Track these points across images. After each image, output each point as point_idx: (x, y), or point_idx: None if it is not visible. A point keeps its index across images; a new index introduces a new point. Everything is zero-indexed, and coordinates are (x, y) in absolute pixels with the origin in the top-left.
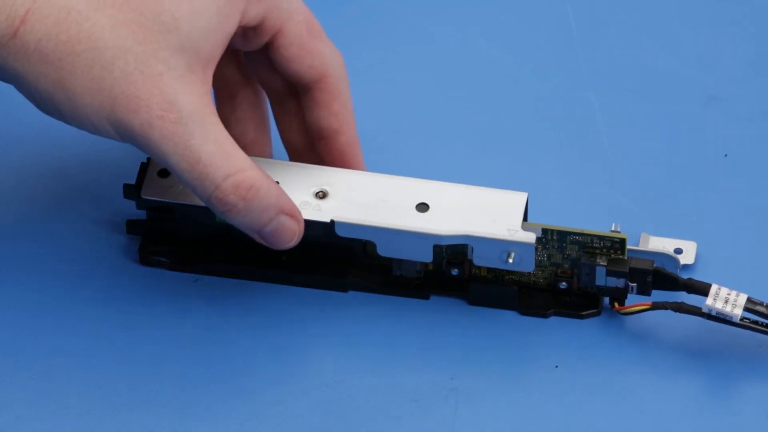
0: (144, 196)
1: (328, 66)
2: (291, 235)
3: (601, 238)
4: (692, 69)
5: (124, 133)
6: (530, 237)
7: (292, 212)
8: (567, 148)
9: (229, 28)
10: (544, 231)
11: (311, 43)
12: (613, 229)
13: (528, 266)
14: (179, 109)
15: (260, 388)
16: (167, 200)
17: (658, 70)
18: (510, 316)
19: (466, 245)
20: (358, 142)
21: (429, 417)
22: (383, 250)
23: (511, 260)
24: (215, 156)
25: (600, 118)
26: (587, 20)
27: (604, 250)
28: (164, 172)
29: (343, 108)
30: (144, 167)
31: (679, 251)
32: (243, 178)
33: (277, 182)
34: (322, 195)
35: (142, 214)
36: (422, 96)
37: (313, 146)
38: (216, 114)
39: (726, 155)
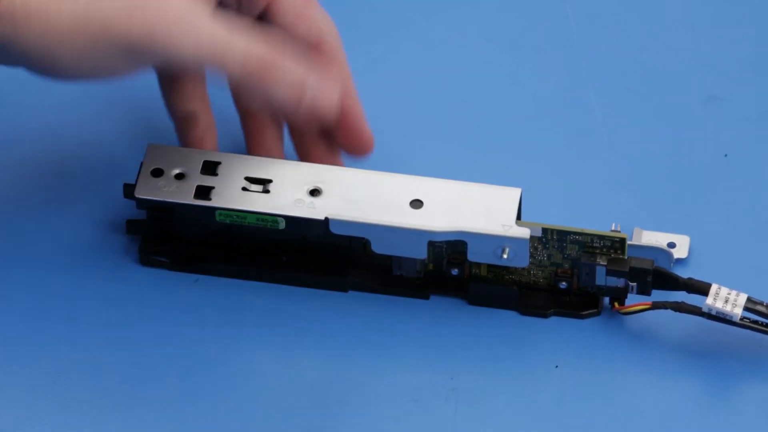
0: (138, 196)
1: (324, 32)
2: (335, 88)
3: (601, 237)
4: (692, 69)
5: (127, 47)
6: (524, 232)
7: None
8: (567, 148)
9: None
10: (544, 230)
11: (307, 10)
12: (613, 228)
13: (522, 261)
14: (177, 7)
15: (260, 387)
16: (160, 199)
17: (658, 70)
18: (510, 316)
19: (467, 244)
20: (359, 103)
21: (429, 417)
22: (378, 247)
23: (505, 255)
24: (229, 34)
25: (600, 118)
26: (587, 20)
27: (604, 250)
28: (158, 172)
29: (342, 71)
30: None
31: (672, 245)
32: (264, 41)
33: (270, 182)
34: (315, 193)
35: (142, 214)
36: (422, 96)
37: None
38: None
39: (726, 155)
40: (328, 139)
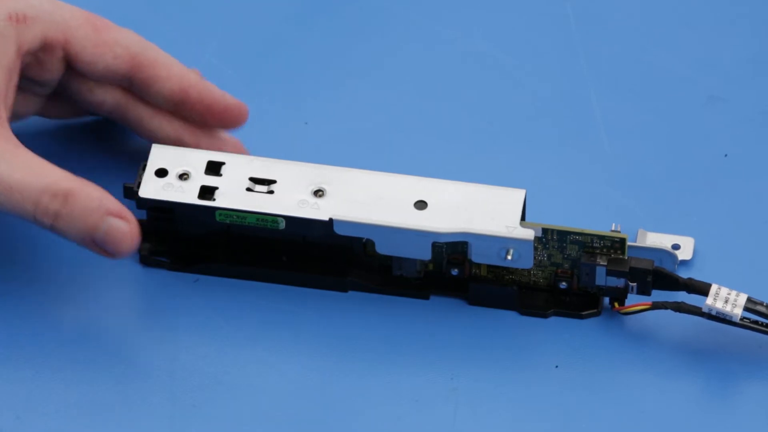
0: (142, 196)
1: (130, 47)
2: (124, 237)
3: (601, 237)
4: (692, 69)
5: None
6: (529, 234)
7: (120, 213)
8: (567, 148)
9: (8, 60)
10: (544, 231)
11: (102, 37)
12: (613, 229)
13: (527, 263)
14: None
15: (260, 387)
16: (164, 199)
17: (658, 70)
18: (510, 316)
19: (467, 245)
20: (208, 85)
21: (429, 417)
22: (382, 248)
23: (509, 257)
24: (25, 179)
25: (600, 118)
26: (587, 20)
27: (604, 250)
28: (162, 172)
29: (170, 68)
30: (144, 168)
31: (676, 247)
32: (58, 187)
33: (274, 183)
34: (320, 194)
35: (142, 214)
36: (422, 96)
37: (186, 125)
38: (16, 141)
39: (726, 155)
40: (203, 126)
